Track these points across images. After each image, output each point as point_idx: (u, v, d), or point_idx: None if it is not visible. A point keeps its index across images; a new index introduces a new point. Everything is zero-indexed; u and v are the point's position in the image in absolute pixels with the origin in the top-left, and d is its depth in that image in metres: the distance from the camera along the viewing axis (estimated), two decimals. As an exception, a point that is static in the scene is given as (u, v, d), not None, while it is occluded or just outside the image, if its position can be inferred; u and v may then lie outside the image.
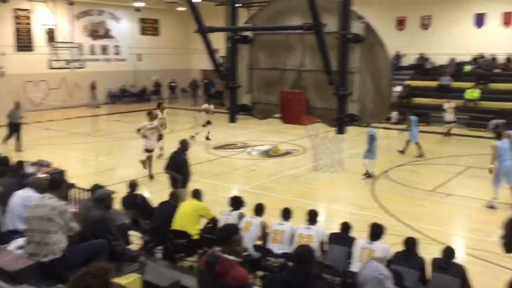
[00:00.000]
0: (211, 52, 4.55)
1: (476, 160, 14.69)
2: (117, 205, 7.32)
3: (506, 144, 10.11)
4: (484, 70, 23.15)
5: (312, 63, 4.16)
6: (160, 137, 13.85)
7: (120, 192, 7.44)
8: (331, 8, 3.76)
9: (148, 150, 12.35)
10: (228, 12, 4.83)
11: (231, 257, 3.69)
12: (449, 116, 19.25)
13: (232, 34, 4.38)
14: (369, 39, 3.84)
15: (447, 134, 19.13)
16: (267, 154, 15.78)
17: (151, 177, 12.07)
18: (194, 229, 6.72)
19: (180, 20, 30.56)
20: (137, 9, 28.58)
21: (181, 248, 6.70)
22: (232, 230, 3.91)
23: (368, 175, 12.33)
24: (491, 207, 10.10)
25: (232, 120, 4.51)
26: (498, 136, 10.49)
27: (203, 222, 7.09)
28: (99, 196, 5.49)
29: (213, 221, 6.89)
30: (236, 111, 4.51)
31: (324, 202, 10.87)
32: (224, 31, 4.70)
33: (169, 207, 7.09)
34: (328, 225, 8.69)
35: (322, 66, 3.55)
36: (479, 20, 24.13)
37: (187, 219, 6.71)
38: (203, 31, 4.63)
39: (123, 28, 30.06)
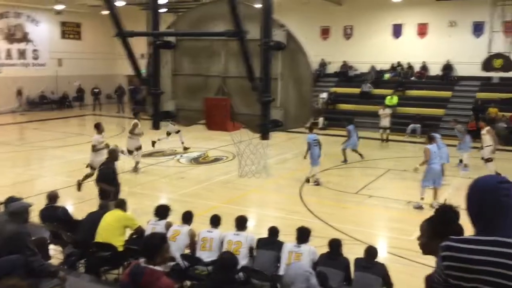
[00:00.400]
0: (132, 57, 4.42)
1: (396, 163, 15.54)
2: (35, 218, 6.91)
3: (435, 148, 10.68)
4: (401, 78, 24.62)
5: (236, 69, 4.18)
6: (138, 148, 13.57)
7: (38, 204, 7.02)
8: (253, 16, 3.80)
9: (93, 167, 10.87)
10: (150, 17, 4.74)
11: (157, 268, 3.62)
12: (385, 122, 19.68)
13: (154, 39, 4.29)
14: (290, 47, 3.93)
15: (386, 140, 19.66)
16: (197, 161, 15.65)
17: (79, 186, 11.16)
18: (119, 241, 6.48)
19: (104, 24, 29.49)
20: (58, 12, 27.31)
21: (105, 261, 6.43)
22: (158, 240, 3.83)
23: (316, 183, 12.39)
24: (419, 207, 10.57)
25: (156, 127, 4.41)
26: (430, 141, 10.91)
27: (128, 233, 6.86)
28: (14, 210, 5.14)
29: (139, 231, 6.68)
30: (159, 118, 4.41)
31: (254, 207, 10.95)
32: (145, 36, 4.60)
33: (97, 218, 6.78)
34: (257, 230, 8.74)
35: (246, 73, 3.58)
36: (397, 30, 25.63)
37: (111, 230, 6.46)
38: (123, 35, 4.49)
39: (43, 31, 28.57)
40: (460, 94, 23.03)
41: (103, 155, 10.09)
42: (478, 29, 23.51)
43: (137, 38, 5.18)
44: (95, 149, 11.06)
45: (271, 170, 14.23)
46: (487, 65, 20.48)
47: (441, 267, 2.43)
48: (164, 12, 20.81)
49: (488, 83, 22.79)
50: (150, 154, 16.19)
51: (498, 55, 20.59)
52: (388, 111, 19.84)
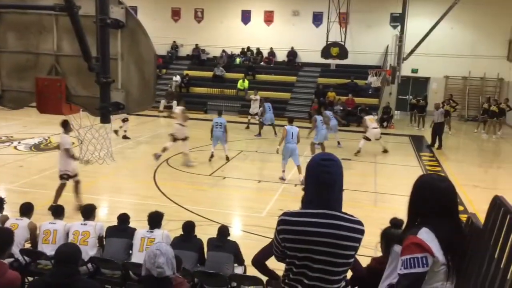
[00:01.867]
0: None
1: (248, 144, 16.20)
2: None
3: (294, 129, 11.64)
4: (251, 62, 25.62)
5: (70, 47, 3.84)
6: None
7: None
8: (88, -10, 3.54)
9: (69, 176, 9.03)
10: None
11: (4, 261, 3.57)
12: (255, 107, 19.54)
13: (-31, 12, 3.73)
14: (129, 26, 3.74)
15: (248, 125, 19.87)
16: (38, 147, 14.32)
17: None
18: None
19: None
20: None
21: None
22: (8, 235, 3.76)
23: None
24: (281, 178, 11.77)
25: (-25, 110, 3.88)
26: (290, 121, 12.20)
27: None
28: None
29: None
30: (-20, 101, 3.89)
31: (105, 194, 10.45)
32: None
33: None
34: (109, 218, 8.39)
35: (81, 52, 3.33)
36: (246, 16, 26.50)
37: None
38: None
39: None
40: (303, 79, 24.86)
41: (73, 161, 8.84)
42: (317, 19, 25.55)
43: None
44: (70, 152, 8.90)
45: (124, 155, 13.75)
46: (326, 52, 22.36)
47: (278, 240, 2.60)
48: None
49: (327, 69, 24.96)
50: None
51: (335, 44, 22.60)
52: (258, 96, 19.87)
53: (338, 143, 16.18)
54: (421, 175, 2.79)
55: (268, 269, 3.09)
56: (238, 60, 26.26)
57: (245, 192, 11.14)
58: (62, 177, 8.95)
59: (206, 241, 5.80)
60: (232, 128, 18.00)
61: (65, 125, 8.79)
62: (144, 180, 11.43)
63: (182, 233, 5.82)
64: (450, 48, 23.64)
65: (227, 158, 13.56)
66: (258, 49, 26.32)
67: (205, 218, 8.85)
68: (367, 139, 15.17)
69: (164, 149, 12.79)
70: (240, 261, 5.76)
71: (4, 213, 6.07)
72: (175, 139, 12.80)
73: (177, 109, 13.60)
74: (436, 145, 16.71)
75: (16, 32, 4.00)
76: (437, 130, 16.83)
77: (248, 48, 26.36)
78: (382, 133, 15.98)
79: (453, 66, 24.17)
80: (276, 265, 2.99)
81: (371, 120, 15.42)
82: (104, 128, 4.52)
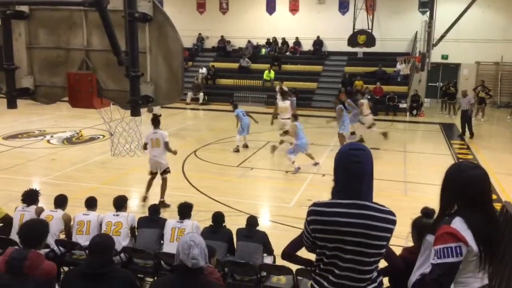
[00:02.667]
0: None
1: (275, 135, 16.18)
2: None
3: (301, 126, 11.64)
4: (277, 53, 25.49)
5: (100, 42, 3.90)
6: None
7: None
8: (115, -15, 3.58)
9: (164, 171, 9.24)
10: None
11: (40, 252, 3.63)
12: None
13: (3, 9, 3.81)
14: (157, 19, 3.77)
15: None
16: (70, 141, 14.67)
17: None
18: (-18, 232, 5.87)
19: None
20: None
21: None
22: (42, 226, 3.83)
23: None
24: (298, 169, 11.58)
25: (12, 105, 3.97)
26: (296, 118, 11.98)
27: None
28: None
29: (6, 219, 6.11)
30: (15, 96, 3.98)
31: (134, 187, 10.63)
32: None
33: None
34: (140, 209, 8.57)
35: (110, 46, 3.37)
36: (270, 6, 26.33)
37: (-28, 222, 5.82)
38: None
39: None
40: (330, 68, 24.59)
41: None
42: (343, 6, 25.17)
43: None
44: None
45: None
46: (352, 41, 22.02)
47: (308, 231, 2.59)
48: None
49: (354, 57, 24.62)
50: (15, 136, 14.80)
51: (362, 31, 22.23)
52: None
53: (353, 133, 15.32)
54: (453, 163, 2.74)
55: (300, 258, 3.08)
56: (263, 50, 26.17)
57: (273, 183, 11.15)
58: (166, 171, 9.20)
59: (235, 232, 5.85)
60: (259, 119, 18.03)
61: (155, 122, 9.03)
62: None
63: (211, 223, 5.89)
64: (482, 32, 22.93)
65: (247, 146, 13.96)
66: (283, 39, 26.15)
67: (234, 208, 8.92)
68: (361, 123, 14.73)
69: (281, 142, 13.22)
70: (269, 251, 5.80)
71: (39, 205, 6.25)
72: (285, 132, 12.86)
73: (285, 103, 14.07)
74: (468, 134, 16.28)
75: (47, 28, 4.08)
76: (465, 118, 16.39)
77: (274, 38, 26.22)
78: (412, 122, 15.70)
79: (484, 52, 23.46)
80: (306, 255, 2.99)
81: (367, 106, 14.72)
82: (134, 121, 4.59)
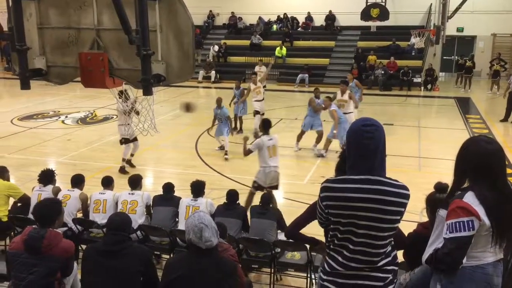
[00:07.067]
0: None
1: (287, 112, 16.13)
2: None
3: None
4: (288, 29, 25.16)
5: (110, 21, 3.89)
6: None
7: None
8: (124, -37, 3.55)
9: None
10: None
11: (58, 230, 3.76)
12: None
13: (13, -9, 3.82)
14: (166, -4, 3.75)
15: None
16: (84, 121, 14.80)
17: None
18: (2, 211, 6.01)
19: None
20: None
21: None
22: (56, 205, 3.91)
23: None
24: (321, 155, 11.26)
25: (25, 86, 3.99)
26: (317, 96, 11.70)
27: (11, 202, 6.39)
28: None
29: (24, 199, 6.24)
30: (28, 77, 4.00)
31: (150, 165, 10.75)
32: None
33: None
34: (154, 188, 8.65)
35: (121, 25, 3.36)
36: (282, -19, 25.88)
37: (-7, 201, 5.95)
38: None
39: None
40: (342, 44, 24.25)
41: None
42: (356, -21, 24.58)
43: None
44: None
45: (166, 126, 14.01)
46: (365, 14, 21.63)
47: (322, 207, 2.60)
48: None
49: (367, 32, 24.22)
50: (30, 117, 14.97)
51: (375, 5, 21.80)
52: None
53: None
54: (468, 138, 2.71)
55: (305, 237, 3.11)
56: (275, 27, 25.86)
57: (286, 160, 11.13)
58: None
59: (249, 209, 5.90)
60: (271, 96, 17.96)
61: (267, 125, 8.09)
62: (186, 150, 11.65)
63: (225, 201, 5.94)
64: (498, 4, 22.33)
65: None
66: (294, 14, 25.76)
67: (247, 186, 8.95)
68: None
69: None
70: (283, 227, 5.84)
71: (56, 185, 6.35)
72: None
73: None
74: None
75: (57, 8, 4.08)
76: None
77: (285, 14, 25.86)
78: (426, 96, 15.44)
79: (500, 23, 22.89)
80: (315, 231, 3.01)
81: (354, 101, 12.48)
82: (146, 100, 4.61)
